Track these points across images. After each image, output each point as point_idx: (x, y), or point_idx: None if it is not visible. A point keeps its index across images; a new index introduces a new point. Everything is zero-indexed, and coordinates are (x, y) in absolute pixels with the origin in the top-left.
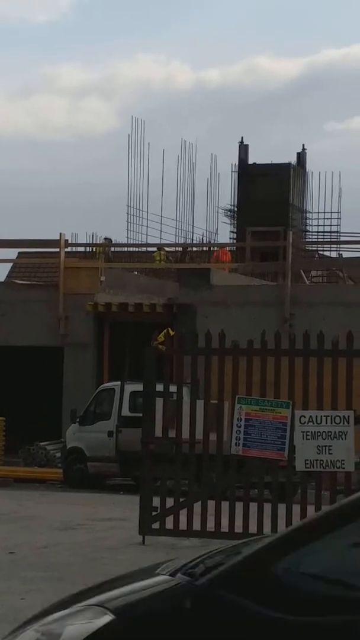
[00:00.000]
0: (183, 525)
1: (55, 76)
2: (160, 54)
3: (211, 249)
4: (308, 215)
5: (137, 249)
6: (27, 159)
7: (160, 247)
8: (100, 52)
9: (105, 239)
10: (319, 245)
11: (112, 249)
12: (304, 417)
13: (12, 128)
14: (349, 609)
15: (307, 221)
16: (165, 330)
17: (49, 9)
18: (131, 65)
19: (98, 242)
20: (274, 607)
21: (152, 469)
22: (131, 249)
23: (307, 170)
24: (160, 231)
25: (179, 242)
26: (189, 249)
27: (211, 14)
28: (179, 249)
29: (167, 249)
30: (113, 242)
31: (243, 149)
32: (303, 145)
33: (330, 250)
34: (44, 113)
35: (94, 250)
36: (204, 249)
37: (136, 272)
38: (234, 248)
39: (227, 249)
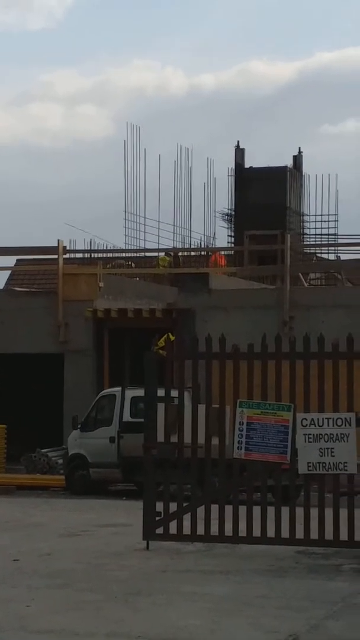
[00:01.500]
0: (187, 530)
1: (51, 83)
2: (154, 61)
3: (209, 253)
4: (305, 218)
5: (135, 254)
6: (24, 166)
7: (167, 252)
8: (95, 59)
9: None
10: (317, 248)
11: (111, 255)
12: (306, 419)
13: (9, 135)
14: None
15: (305, 224)
16: (165, 335)
17: (45, 16)
18: (125, 72)
19: (96, 248)
20: None
21: (154, 474)
22: (129, 254)
23: (303, 173)
24: (158, 236)
25: (177, 247)
26: (186, 253)
27: (204, 20)
28: (179, 253)
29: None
30: (110, 246)
31: (239, 153)
32: (299, 148)
33: (329, 253)
34: (39, 120)
35: (92, 256)
36: (202, 253)
37: (137, 278)
38: (232, 252)
39: (225, 253)
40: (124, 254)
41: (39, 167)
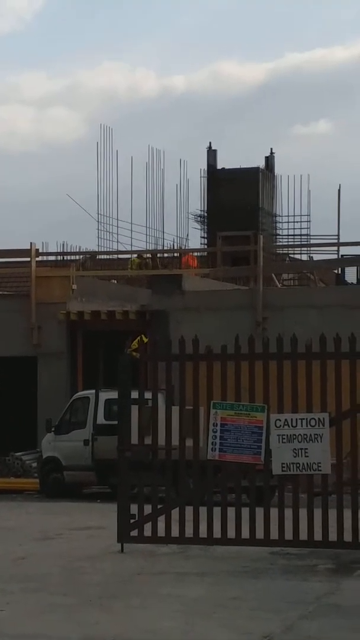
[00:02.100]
0: (161, 532)
1: (20, 86)
2: (124, 62)
3: (182, 254)
4: (278, 218)
5: (108, 257)
6: None
7: (139, 254)
8: (64, 62)
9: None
10: (290, 249)
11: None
12: (280, 420)
13: None
14: None
15: (277, 225)
16: (138, 337)
17: (13, 18)
18: (96, 74)
19: (69, 250)
20: None
21: (128, 477)
22: (102, 256)
23: (275, 174)
24: (131, 238)
25: (150, 248)
26: (160, 255)
27: (174, 22)
28: (149, 255)
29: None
30: (82, 249)
31: (211, 154)
32: (271, 149)
33: (301, 253)
34: (9, 123)
35: (65, 258)
36: (175, 255)
37: (114, 281)
38: (205, 253)
39: (197, 254)
40: (97, 256)
41: (8, 170)
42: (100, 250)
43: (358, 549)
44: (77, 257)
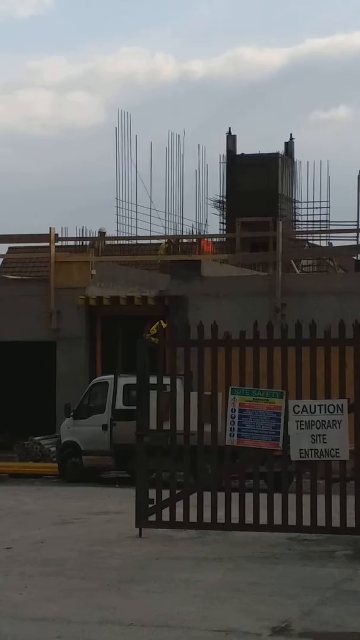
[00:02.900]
0: (179, 517)
1: (40, 71)
2: (144, 47)
3: (201, 240)
4: (297, 204)
5: (127, 242)
6: (13, 154)
7: (169, 239)
8: (84, 46)
9: (100, 232)
10: (309, 235)
11: (103, 243)
12: (298, 406)
13: None
14: None
15: (297, 211)
16: (157, 323)
17: (33, 3)
18: (116, 59)
19: (88, 235)
20: None
21: (147, 462)
22: (121, 241)
23: (295, 160)
24: (150, 223)
25: (169, 234)
26: (179, 240)
27: (193, 7)
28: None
29: (157, 241)
30: (105, 238)
31: (231, 139)
32: (291, 134)
33: (320, 240)
34: (29, 108)
35: (84, 244)
36: (194, 240)
37: (135, 267)
38: (224, 239)
39: (215, 240)
40: (115, 242)
41: (28, 155)
42: (119, 235)
43: None
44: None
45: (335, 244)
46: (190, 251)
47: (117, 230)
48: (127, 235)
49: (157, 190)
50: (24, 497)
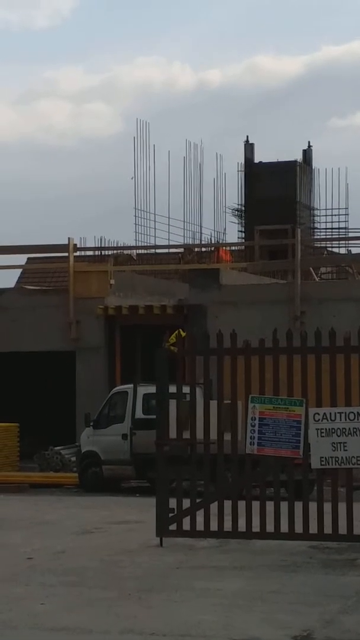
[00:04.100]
0: (200, 526)
1: (57, 81)
2: (160, 57)
3: (219, 249)
4: (315, 212)
5: (145, 251)
6: (32, 164)
7: (187, 247)
8: (101, 56)
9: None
10: (328, 242)
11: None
12: (318, 414)
13: (17, 134)
14: None
15: (315, 218)
16: (176, 332)
17: (50, 14)
18: (132, 69)
19: (106, 245)
20: None
21: (167, 471)
22: (140, 251)
23: (313, 167)
24: (169, 232)
25: (187, 242)
26: (197, 249)
27: (209, 16)
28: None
29: (175, 250)
30: (120, 243)
31: (249, 148)
32: (309, 142)
33: (339, 247)
34: (47, 118)
35: (102, 253)
36: (212, 249)
37: (154, 276)
38: (243, 247)
39: (233, 248)
40: (134, 251)
41: (46, 165)
42: (137, 245)
43: None
44: (114, 252)
45: (354, 251)
46: (208, 260)
47: (136, 240)
48: (145, 244)
49: (175, 199)
50: (44, 506)
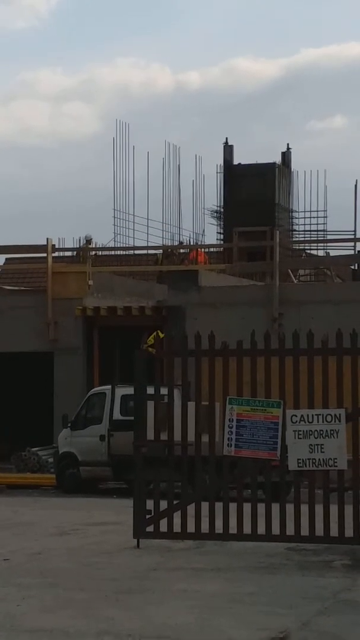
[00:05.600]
0: (177, 527)
1: (36, 82)
2: (139, 58)
3: (196, 250)
4: (294, 214)
5: (124, 252)
6: (11, 165)
7: (165, 249)
8: (80, 58)
9: (86, 239)
10: (306, 244)
11: (100, 252)
12: (296, 416)
13: None
14: None
15: (294, 220)
16: (154, 333)
17: (29, 15)
18: (111, 70)
19: (84, 246)
20: None
21: (144, 472)
22: (118, 252)
23: (292, 170)
24: (147, 234)
25: (166, 244)
26: (176, 250)
27: (189, 17)
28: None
29: (154, 251)
30: (98, 244)
31: (228, 149)
32: (288, 144)
33: (318, 249)
34: (25, 119)
35: (80, 255)
36: (189, 250)
37: (132, 277)
38: (221, 249)
39: (209, 250)
40: (112, 252)
41: (27, 166)
42: (116, 245)
43: None
44: (93, 252)
45: (332, 253)
46: (187, 261)
47: (114, 241)
48: (124, 245)
49: (154, 201)
50: (21, 508)
